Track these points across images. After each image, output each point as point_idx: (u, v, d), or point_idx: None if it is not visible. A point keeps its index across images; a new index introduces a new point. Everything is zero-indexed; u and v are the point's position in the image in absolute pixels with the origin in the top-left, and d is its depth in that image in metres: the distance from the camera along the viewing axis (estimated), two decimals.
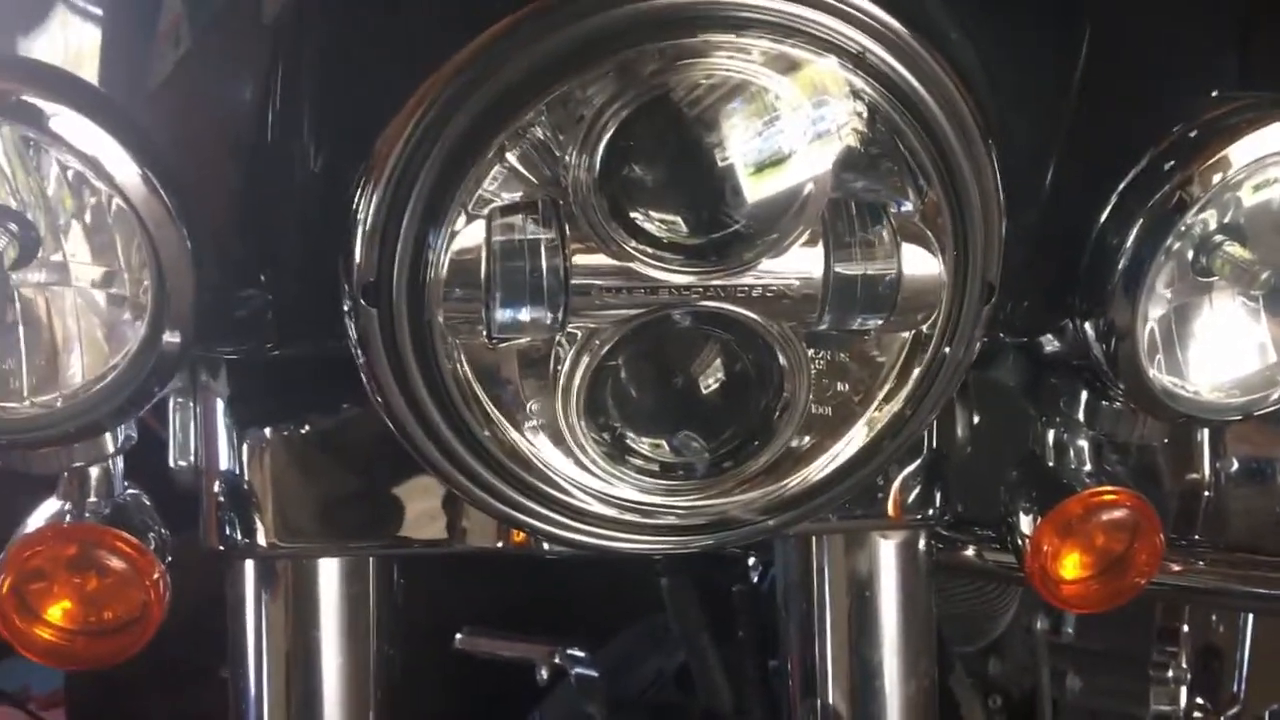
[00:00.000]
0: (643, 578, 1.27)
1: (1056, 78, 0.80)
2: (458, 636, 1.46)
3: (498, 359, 0.75)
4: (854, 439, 0.80)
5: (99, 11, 0.72)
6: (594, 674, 1.39)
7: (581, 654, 1.40)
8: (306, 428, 0.92)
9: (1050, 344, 0.93)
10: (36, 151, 0.71)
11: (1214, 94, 0.85)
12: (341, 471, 0.93)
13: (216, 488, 0.92)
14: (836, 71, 0.71)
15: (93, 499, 0.85)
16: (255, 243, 0.77)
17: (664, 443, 0.78)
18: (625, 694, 1.39)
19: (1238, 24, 0.84)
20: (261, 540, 0.92)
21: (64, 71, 0.71)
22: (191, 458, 0.94)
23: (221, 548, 0.93)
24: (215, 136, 0.75)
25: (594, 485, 0.78)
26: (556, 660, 1.42)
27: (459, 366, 0.74)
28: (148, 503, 0.90)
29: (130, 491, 0.89)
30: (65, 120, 0.69)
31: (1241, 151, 0.82)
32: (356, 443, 0.92)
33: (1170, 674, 1.52)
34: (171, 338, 0.72)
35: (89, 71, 0.72)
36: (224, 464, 0.93)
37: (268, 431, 0.91)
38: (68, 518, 0.84)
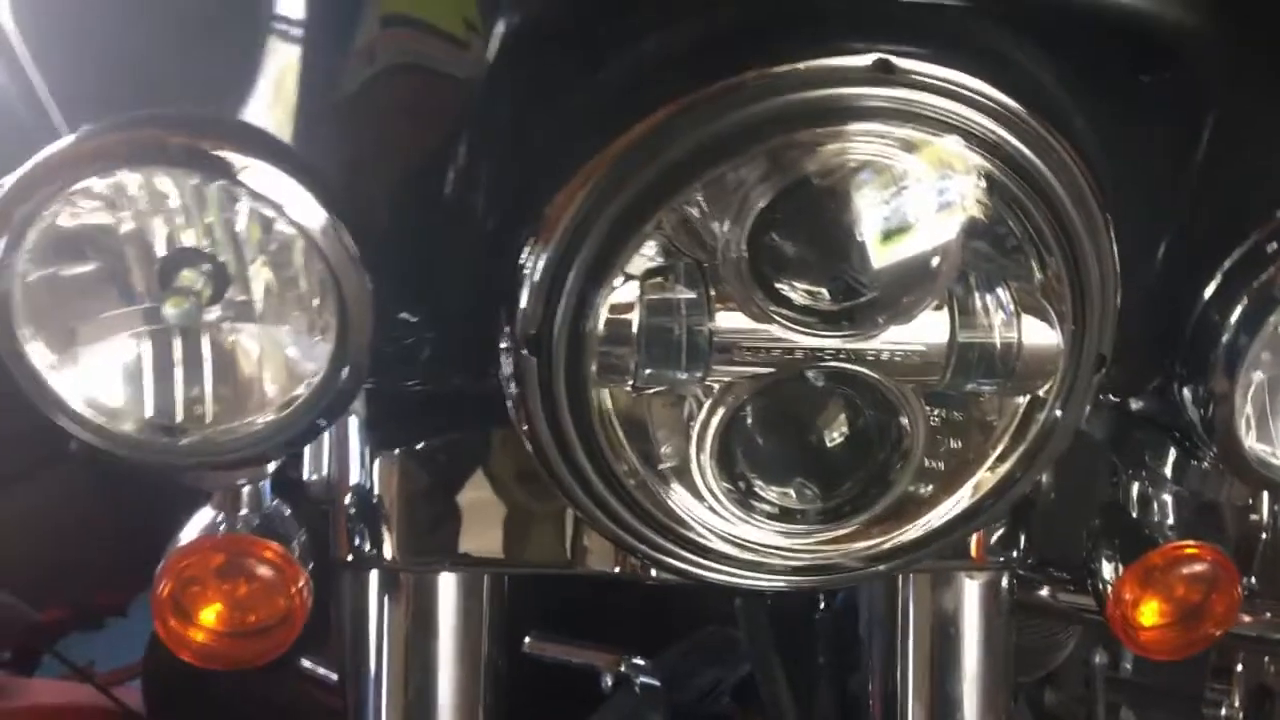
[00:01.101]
0: (703, 591, 1.31)
1: (1175, 162, 0.84)
2: (526, 640, 1.50)
3: (639, 405, 0.80)
4: (964, 494, 0.85)
5: (293, 61, 0.77)
6: (657, 683, 1.43)
7: (643, 662, 1.44)
8: (435, 453, 0.97)
9: (1137, 401, 0.98)
10: (228, 196, 0.76)
11: None
12: (465, 494, 0.98)
13: (347, 501, 0.98)
14: (964, 152, 0.76)
15: (244, 511, 0.91)
16: (419, 286, 0.82)
17: (790, 491, 0.83)
18: (681, 702, 1.43)
19: None
20: (387, 554, 0.97)
21: (255, 127, 0.76)
22: (323, 472, 1.00)
23: (350, 558, 0.99)
24: (395, 186, 0.81)
25: (719, 525, 0.83)
26: (621, 668, 1.46)
27: (604, 409, 0.79)
28: (288, 513, 0.96)
29: (274, 503, 0.95)
30: (256, 172, 0.74)
31: None
32: (481, 469, 0.97)
33: (1223, 713, 1.55)
34: (348, 376, 0.78)
35: (281, 125, 0.77)
36: (355, 480, 0.98)
37: (398, 453, 0.97)
38: (221, 528, 0.90)
